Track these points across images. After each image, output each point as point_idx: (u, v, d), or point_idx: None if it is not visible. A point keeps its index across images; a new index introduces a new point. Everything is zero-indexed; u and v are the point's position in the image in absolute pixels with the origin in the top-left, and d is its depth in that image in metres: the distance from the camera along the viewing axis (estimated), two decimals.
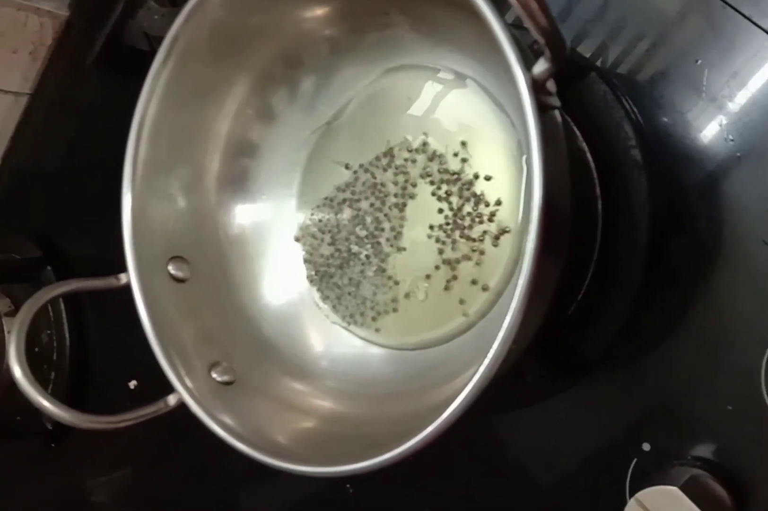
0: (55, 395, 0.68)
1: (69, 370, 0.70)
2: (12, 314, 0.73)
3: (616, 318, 0.42)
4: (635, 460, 0.42)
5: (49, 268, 0.72)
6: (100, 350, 0.70)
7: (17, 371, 0.42)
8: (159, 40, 0.60)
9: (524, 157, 0.42)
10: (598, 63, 0.45)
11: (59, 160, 0.76)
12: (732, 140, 0.41)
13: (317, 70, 0.50)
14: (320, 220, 0.51)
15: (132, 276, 0.46)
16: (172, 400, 0.44)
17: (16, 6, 0.70)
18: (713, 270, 0.41)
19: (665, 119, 0.43)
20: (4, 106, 0.76)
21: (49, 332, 0.71)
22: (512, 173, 0.43)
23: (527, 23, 0.29)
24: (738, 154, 0.40)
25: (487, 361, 0.31)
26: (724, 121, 0.41)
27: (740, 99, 0.41)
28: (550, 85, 0.33)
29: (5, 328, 0.72)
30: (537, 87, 0.31)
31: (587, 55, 0.46)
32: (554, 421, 0.46)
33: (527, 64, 0.31)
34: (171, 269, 0.48)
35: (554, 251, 0.34)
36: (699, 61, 0.42)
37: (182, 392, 0.43)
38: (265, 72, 0.49)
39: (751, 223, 0.40)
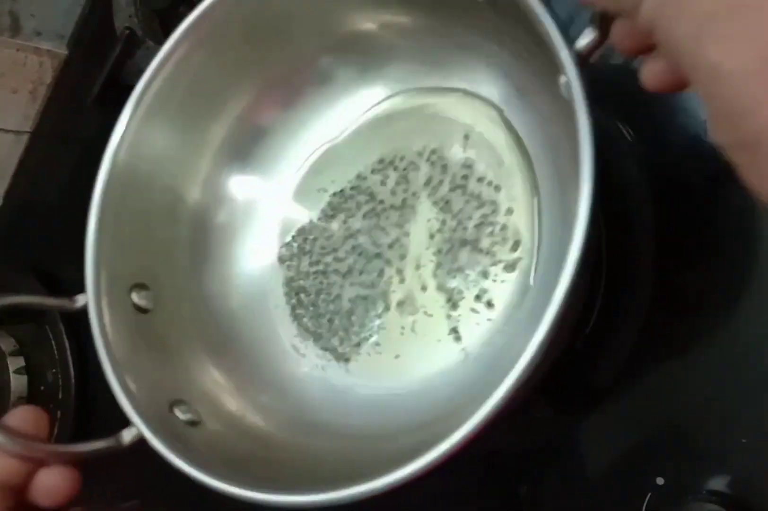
0: (61, 434, 0.68)
1: (74, 408, 0.69)
2: (16, 353, 0.73)
3: (626, 350, 0.42)
4: (649, 495, 0.41)
5: None
6: (105, 388, 0.70)
7: None
8: None
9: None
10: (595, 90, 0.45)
11: (60, 198, 0.76)
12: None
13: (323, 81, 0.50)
14: (308, 238, 0.50)
15: (90, 300, 0.43)
16: (127, 436, 0.40)
17: (16, 46, 0.71)
18: (723, 300, 0.41)
19: (670, 146, 0.43)
20: (4, 144, 0.77)
21: (54, 370, 0.71)
22: (526, 192, 0.43)
23: None
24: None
25: (490, 405, 0.30)
26: None
27: None
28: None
29: (10, 368, 0.72)
30: (582, 63, 0.30)
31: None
32: (564, 455, 0.45)
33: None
34: (134, 297, 0.46)
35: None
36: None
37: (140, 425, 0.40)
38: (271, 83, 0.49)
39: (763, 254, 0.40)
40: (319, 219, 0.50)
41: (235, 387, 0.47)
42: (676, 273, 0.42)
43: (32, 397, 0.72)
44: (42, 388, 0.72)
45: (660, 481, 0.41)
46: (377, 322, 0.46)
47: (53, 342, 0.71)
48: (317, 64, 0.49)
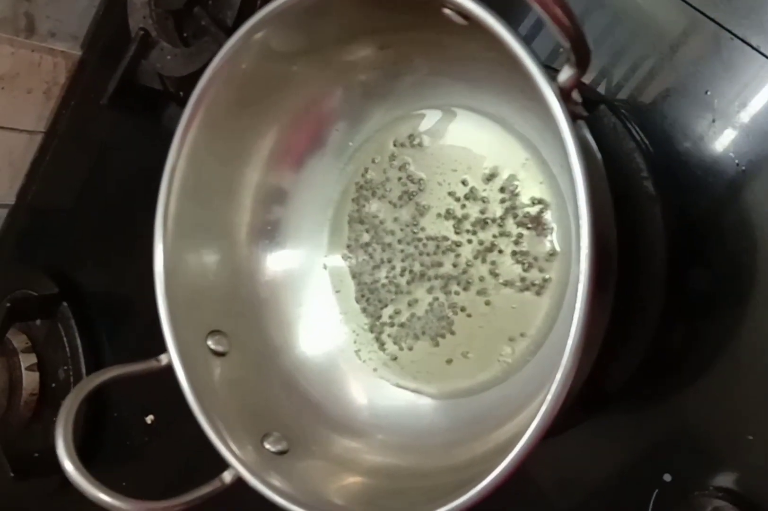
0: (73, 433, 0.69)
1: (86, 406, 0.70)
2: (29, 350, 0.73)
3: (636, 352, 0.42)
4: (657, 491, 0.42)
5: (65, 304, 0.72)
6: (116, 385, 0.70)
7: (68, 466, 0.40)
8: (172, 79, 0.62)
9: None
10: (606, 92, 0.46)
11: (73, 197, 0.77)
12: (744, 169, 0.41)
13: (348, 114, 0.50)
14: (358, 261, 0.51)
15: (174, 356, 0.45)
16: (227, 477, 0.43)
17: (31, 47, 0.72)
18: (732, 300, 0.41)
19: (677, 149, 0.43)
20: (19, 144, 0.77)
21: (65, 367, 0.72)
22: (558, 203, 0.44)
23: (552, 28, 0.29)
24: (750, 182, 0.41)
25: (549, 396, 0.32)
26: (736, 151, 0.41)
27: (751, 129, 0.41)
28: (576, 96, 0.33)
29: (22, 364, 0.73)
30: (565, 96, 0.32)
31: (596, 87, 0.46)
32: (574, 453, 0.46)
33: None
34: (210, 343, 0.48)
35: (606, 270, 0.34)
36: (709, 92, 0.42)
37: (238, 467, 0.42)
38: (295, 119, 0.49)
39: None
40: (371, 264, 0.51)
41: (317, 408, 0.49)
42: (689, 275, 0.42)
43: (44, 394, 0.73)
44: (54, 385, 0.73)
45: (667, 477, 0.42)
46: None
47: (65, 339, 0.72)
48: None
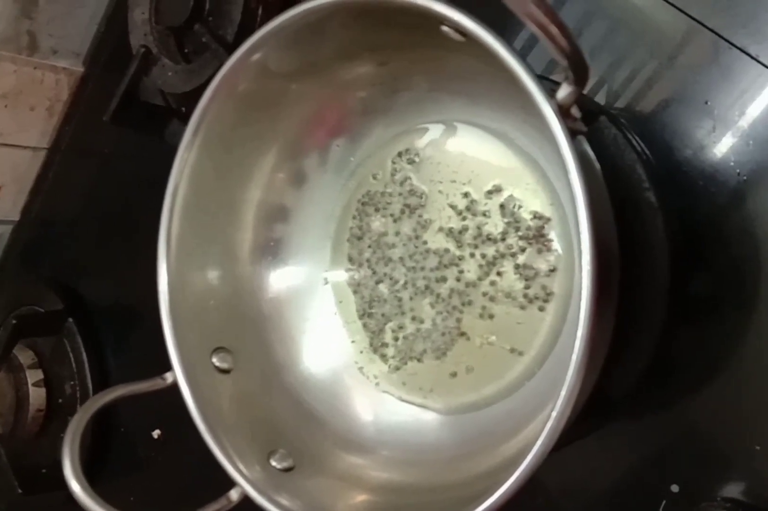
0: (80, 448, 0.69)
1: (94, 420, 0.70)
2: (35, 366, 0.73)
3: (641, 360, 0.42)
4: (664, 502, 0.42)
5: (71, 320, 0.73)
6: (123, 399, 0.71)
7: (75, 486, 0.40)
8: (174, 95, 0.62)
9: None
10: (604, 100, 0.46)
11: (77, 212, 0.78)
12: (745, 178, 0.41)
13: (348, 130, 0.50)
14: (361, 276, 0.51)
15: (179, 375, 0.45)
16: (234, 495, 0.43)
17: (33, 65, 0.73)
18: (737, 308, 0.41)
19: (678, 159, 0.43)
20: (23, 161, 0.78)
21: (72, 383, 0.72)
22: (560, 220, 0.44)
23: (549, 47, 0.29)
24: (752, 191, 0.41)
25: (555, 413, 0.32)
26: (736, 160, 0.41)
27: (751, 137, 0.41)
28: (575, 111, 0.33)
29: (29, 380, 0.73)
30: (564, 113, 0.32)
31: (594, 95, 0.46)
32: (580, 463, 0.46)
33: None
34: (215, 361, 0.48)
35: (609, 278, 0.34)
36: (708, 102, 0.42)
37: (245, 485, 0.42)
38: (295, 136, 0.50)
39: None
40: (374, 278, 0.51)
41: (322, 424, 0.49)
42: (692, 283, 0.42)
43: (51, 410, 0.73)
44: (60, 400, 0.73)
45: (675, 488, 0.41)
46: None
47: (71, 355, 0.72)
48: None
